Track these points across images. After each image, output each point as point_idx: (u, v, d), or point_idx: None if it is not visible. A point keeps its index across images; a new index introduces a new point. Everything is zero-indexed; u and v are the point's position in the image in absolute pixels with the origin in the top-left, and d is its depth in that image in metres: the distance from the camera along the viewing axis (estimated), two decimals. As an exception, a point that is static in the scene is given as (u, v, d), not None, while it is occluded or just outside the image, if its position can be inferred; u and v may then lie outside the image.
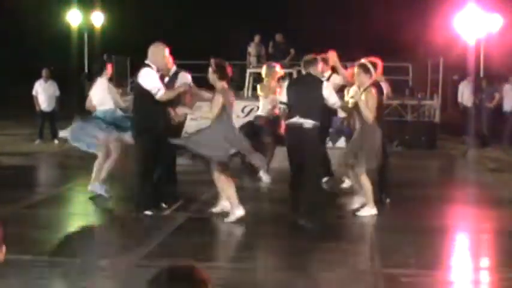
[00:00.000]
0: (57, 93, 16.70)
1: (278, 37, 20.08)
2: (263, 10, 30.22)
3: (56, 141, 16.26)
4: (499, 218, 8.56)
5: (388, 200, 9.19)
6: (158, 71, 8.21)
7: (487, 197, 9.98)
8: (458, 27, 17.77)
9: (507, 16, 18.96)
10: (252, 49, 20.60)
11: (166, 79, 8.96)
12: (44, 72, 16.63)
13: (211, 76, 8.02)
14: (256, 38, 20.52)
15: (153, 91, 7.98)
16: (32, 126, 17.70)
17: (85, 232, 7.78)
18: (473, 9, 16.76)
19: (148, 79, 8.04)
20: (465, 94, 18.13)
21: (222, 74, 7.98)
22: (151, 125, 8.04)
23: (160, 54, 8.25)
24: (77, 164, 12.93)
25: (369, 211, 8.41)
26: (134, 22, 29.40)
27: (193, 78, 9.49)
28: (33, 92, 16.56)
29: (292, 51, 19.62)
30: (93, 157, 9.05)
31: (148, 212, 8.15)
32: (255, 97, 17.74)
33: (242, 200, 8.10)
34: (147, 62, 8.16)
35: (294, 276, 6.09)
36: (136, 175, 8.31)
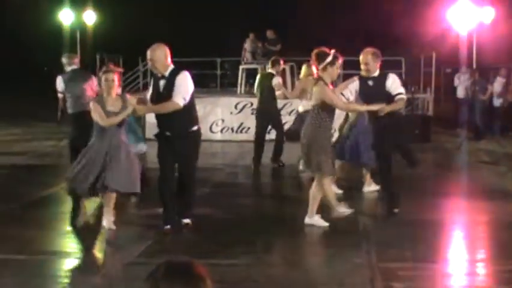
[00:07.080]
0: None
1: (269, 33, 20.08)
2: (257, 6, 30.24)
3: None
4: (495, 211, 8.55)
5: None
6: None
7: (482, 190, 9.97)
8: (450, 20, 17.78)
9: (499, 9, 18.98)
10: (247, 45, 20.61)
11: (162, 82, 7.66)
12: None
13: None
14: (251, 35, 20.54)
15: None
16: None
17: (80, 231, 7.74)
18: (465, 3, 16.77)
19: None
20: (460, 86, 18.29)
21: None
22: None
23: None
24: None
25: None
26: (126, 21, 29.31)
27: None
28: None
29: (278, 46, 19.58)
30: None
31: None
32: (248, 93, 17.76)
33: (238, 196, 8.04)
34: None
35: (290, 271, 6.08)
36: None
